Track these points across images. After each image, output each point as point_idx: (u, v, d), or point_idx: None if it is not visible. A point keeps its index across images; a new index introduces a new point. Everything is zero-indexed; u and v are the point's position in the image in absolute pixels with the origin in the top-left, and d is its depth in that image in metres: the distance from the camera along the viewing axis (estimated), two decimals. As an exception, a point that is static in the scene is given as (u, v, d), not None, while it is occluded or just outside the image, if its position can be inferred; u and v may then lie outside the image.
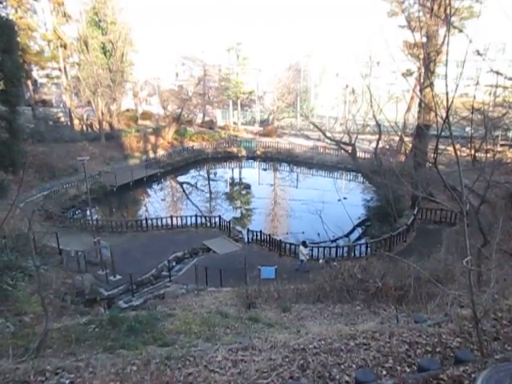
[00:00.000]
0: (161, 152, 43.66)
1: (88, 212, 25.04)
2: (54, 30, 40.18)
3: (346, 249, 19.99)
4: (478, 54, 6.35)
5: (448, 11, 15.16)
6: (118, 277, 17.71)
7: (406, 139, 28.59)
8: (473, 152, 13.47)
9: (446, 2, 17.97)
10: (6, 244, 14.17)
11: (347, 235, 24.11)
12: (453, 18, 22.56)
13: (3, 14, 15.46)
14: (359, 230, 25.75)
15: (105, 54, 43.13)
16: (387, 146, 28.47)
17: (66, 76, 43.35)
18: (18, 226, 17.69)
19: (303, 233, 23.37)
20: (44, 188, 29.49)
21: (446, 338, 4.43)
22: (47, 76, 50.99)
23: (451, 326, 4.86)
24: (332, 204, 26.71)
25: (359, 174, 35.20)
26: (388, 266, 11.82)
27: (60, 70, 43.02)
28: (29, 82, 41.60)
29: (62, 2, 39.71)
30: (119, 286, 17.22)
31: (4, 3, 16.08)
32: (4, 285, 10.01)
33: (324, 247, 20.24)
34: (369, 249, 20.05)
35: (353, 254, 19.63)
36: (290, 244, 20.60)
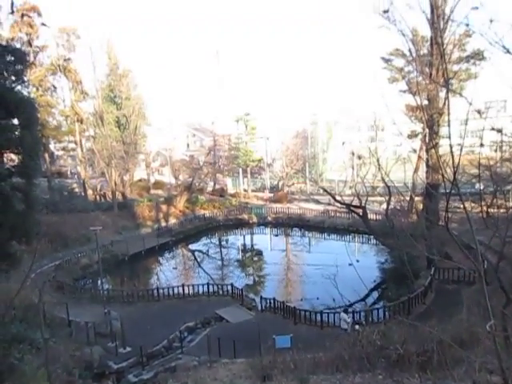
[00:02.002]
0: (172, 220, 44.03)
1: (99, 282, 24.85)
2: (72, 106, 42.72)
3: (363, 313, 19.28)
4: (479, 113, 6.53)
5: (446, 76, 15.84)
6: (128, 349, 17.16)
7: (417, 199, 28.51)
8: (485, 209, 13.33)
9: (443, 66, 18.79)
10: (15, 315, 13.98)
11: (364, 299, 23.35)
12: (452, 81, 23.40)
13: (25, 93, 16.40)
14: (375, 294, 24.95)
15: (119, 128, 45.25)
16: (398, 207, 28.35)
17: (82, 148, 45.32)
18: (28, 297, 17.54)
19: (318, 298, 22.73)
20: (56, 257, 29.59)
21: (477, 407, 4.12)
22: (63, 149, 53.42)
23: (481, 393, 4.53)
24: (346, 267, 26.08)
25: (371, 236, 34.84)
26: (408, 331, 11.27)
27: (76, 142, 45.10)
28: (46, 155, 43.29)
29: (80, 81, 42.59)
30: (129, 358, 16.61)
31: (26, 82, 17.12)
32: (11, 358, 9.70)
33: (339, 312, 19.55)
34: (387, 313, 19.31)
35: (370, 319, 18.87)
36: (305, 311, 19.98)
